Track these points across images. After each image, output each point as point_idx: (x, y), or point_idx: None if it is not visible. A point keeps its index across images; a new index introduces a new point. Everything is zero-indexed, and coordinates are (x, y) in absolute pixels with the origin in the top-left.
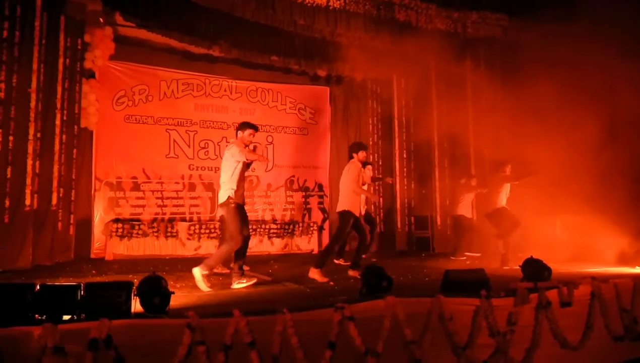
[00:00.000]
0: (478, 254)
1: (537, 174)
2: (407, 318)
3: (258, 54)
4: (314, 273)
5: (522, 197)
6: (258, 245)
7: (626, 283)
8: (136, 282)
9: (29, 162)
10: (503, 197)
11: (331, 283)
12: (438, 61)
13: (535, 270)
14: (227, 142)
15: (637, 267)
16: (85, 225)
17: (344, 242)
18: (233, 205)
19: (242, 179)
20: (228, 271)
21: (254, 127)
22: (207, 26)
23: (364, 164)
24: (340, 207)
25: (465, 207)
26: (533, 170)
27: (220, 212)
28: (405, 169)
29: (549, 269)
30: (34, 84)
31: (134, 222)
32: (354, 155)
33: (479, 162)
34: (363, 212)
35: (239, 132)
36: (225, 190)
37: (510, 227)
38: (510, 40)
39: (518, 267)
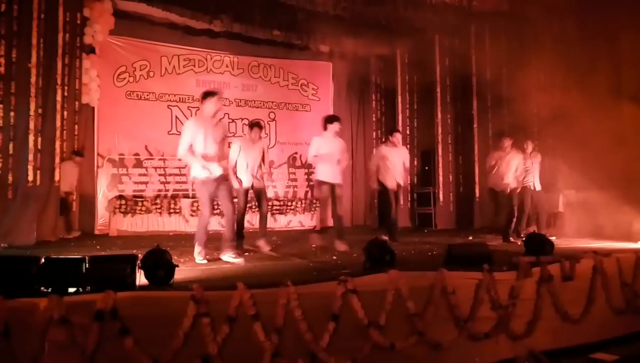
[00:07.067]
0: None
1: None
2: (410, 291)
3: (260, 28)
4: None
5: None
6: None
7: (628, 258)
8: (140, 256)
9: (31, 138)
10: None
11: (334, 257)
12: (442, 35)
13: (537, 244)
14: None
15: (639, 242)
16: (88, 202)
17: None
18: None
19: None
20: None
21: (210, 94)
22: (208, 0)
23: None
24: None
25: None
26: None
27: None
28: (408, 145)
29: (551, 243)
30: (33, 59)
31: (137, 199)
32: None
33: (482, 138)
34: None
35: (201, 105)
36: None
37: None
38: (517, 14)
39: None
